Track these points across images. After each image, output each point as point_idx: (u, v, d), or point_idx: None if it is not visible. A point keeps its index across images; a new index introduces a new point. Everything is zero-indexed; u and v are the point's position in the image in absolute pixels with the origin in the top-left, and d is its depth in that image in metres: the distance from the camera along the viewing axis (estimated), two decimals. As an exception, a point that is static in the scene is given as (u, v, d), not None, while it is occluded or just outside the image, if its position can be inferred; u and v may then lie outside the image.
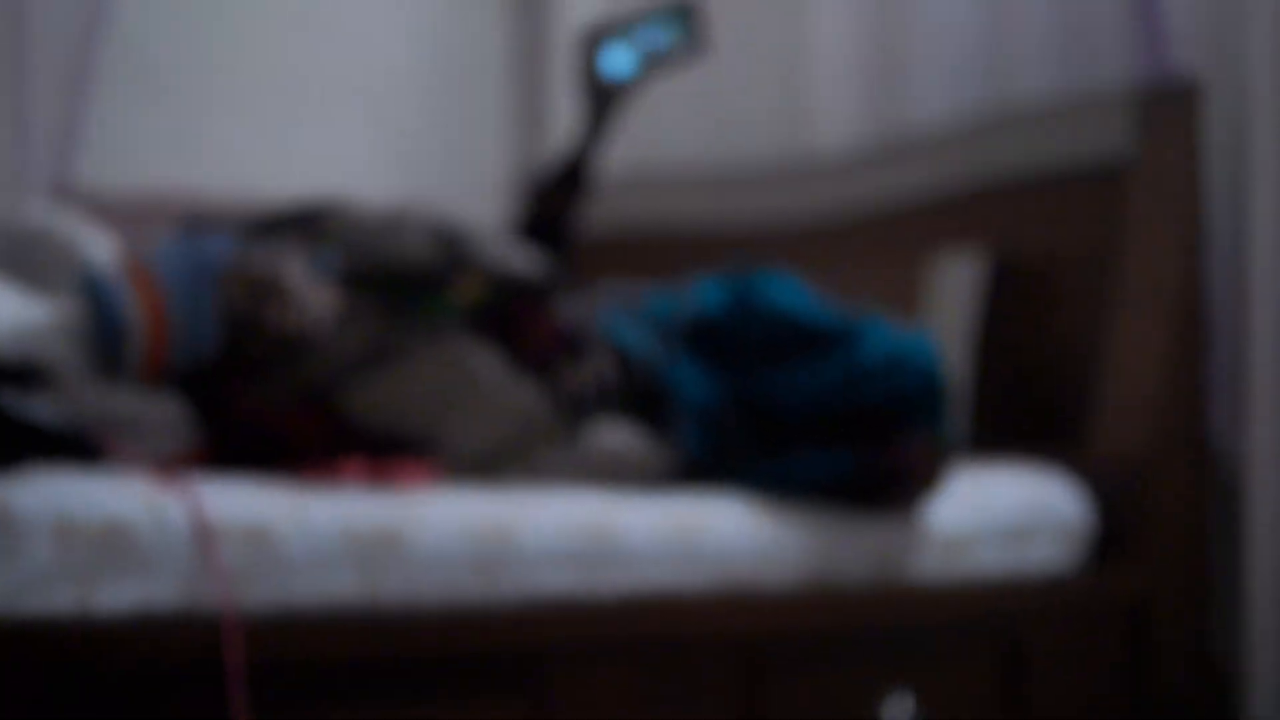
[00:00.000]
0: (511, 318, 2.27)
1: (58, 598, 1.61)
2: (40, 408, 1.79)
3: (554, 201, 2.54)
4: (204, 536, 1.71)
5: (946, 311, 3.20)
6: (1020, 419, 3.16)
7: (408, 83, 4.36)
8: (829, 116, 3.77)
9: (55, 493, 1.64)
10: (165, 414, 2.05)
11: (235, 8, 4.02)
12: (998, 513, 2.56)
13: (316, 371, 2.14)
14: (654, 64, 2.40)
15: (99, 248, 2.38)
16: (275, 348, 2.14)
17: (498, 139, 4.55)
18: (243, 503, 1.79)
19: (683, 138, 4.13)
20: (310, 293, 2.18)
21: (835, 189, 3.65)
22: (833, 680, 2.32)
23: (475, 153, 4.49)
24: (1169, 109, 2.99)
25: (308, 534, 1.81)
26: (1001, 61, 3.47)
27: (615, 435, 2.25)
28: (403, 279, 2.32)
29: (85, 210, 3.58)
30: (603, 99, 2.47)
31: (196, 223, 2.25)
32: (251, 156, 4.01)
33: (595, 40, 2.45)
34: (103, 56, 3.72)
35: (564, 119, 4.40)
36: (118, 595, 1.65)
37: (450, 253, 2.32)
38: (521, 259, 2.37)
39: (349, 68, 4.23)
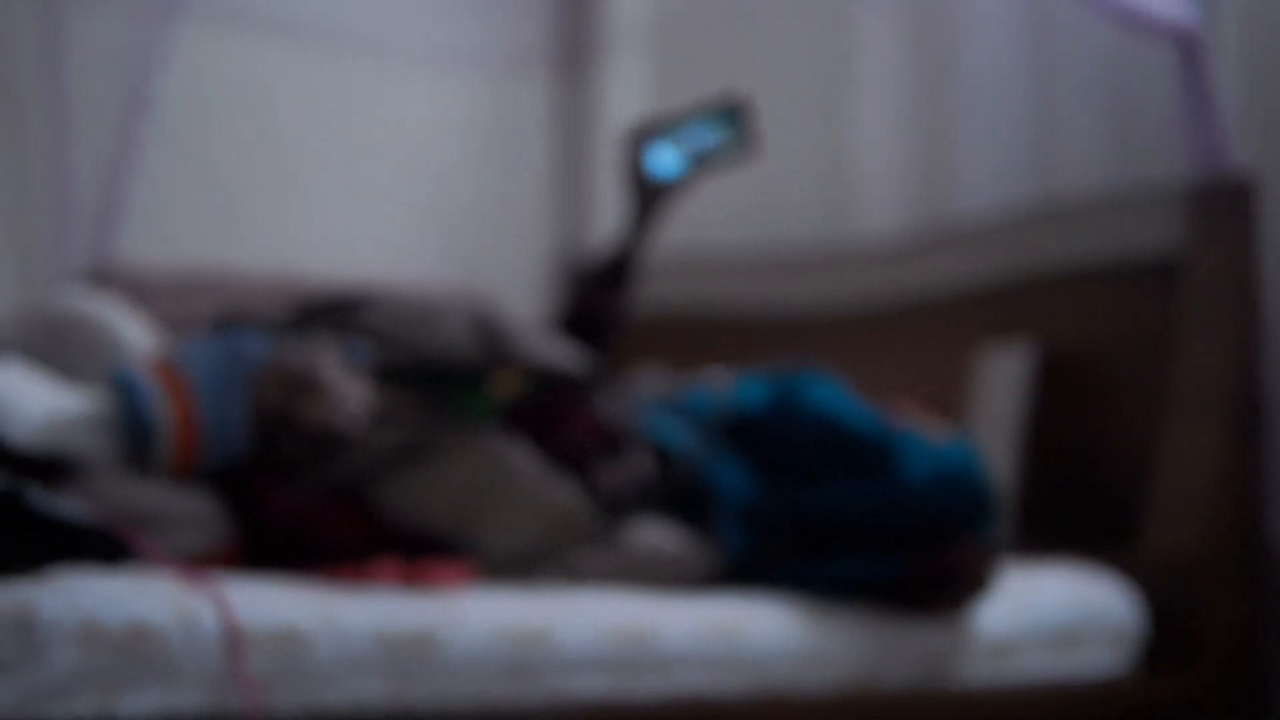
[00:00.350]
0: (550, 413, 2.23)
1: (80, 705, 1.57)
2: (67, 505, 1.77)
3: (598, 297, 2.50)
4: (232, 641, 1.67)
5: (993, 404, 3.15)
6: (1068, 517, 3.09)
7: (452, 170, 4.35)
8: (874, 205, 3.75)
9: (81, 596, 1.60)
10: (195, 510, 2.02)
11: (280, 92, 4.03)
12: (1046, 615, 2.49)
13: (350, 467, 2.11)
14: (701, 163, 2.37)
15: (135, 333, 2.37)
16: (309, 443, 2.11)
17: (540, 228, 4.54)
18: (272, 605, 1.75)
19: (728, 222, 4.11)
20: (345, 388, 2.15)
21: (880, 276, 3.62)
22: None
23: (517, 241, 4.48)
24: (1223, 205, 2.94)
25: (338, 637, 1.76)
26: (1051, 154, 3.44)
27: (654, 534, 2.20)
28: (440, 372, 2.29)
29: (125, 288, 3.58)
30: (648, 197, 2.44)
31: (230, 319, 2.23)
32: (294, 238, 4.01)
33: (642, 138, 2.42)
34: (147, 136, 3.73)
35: (606, 211, 4.39)
36: (142, 702, 1.61)
37: (489, 346, 2.29)
38: (561, 353, 2.33)
39: (394, 154, 4.23)
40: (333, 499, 2.08)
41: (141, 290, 3.60)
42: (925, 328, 3.47)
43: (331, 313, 2.34)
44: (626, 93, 4.47)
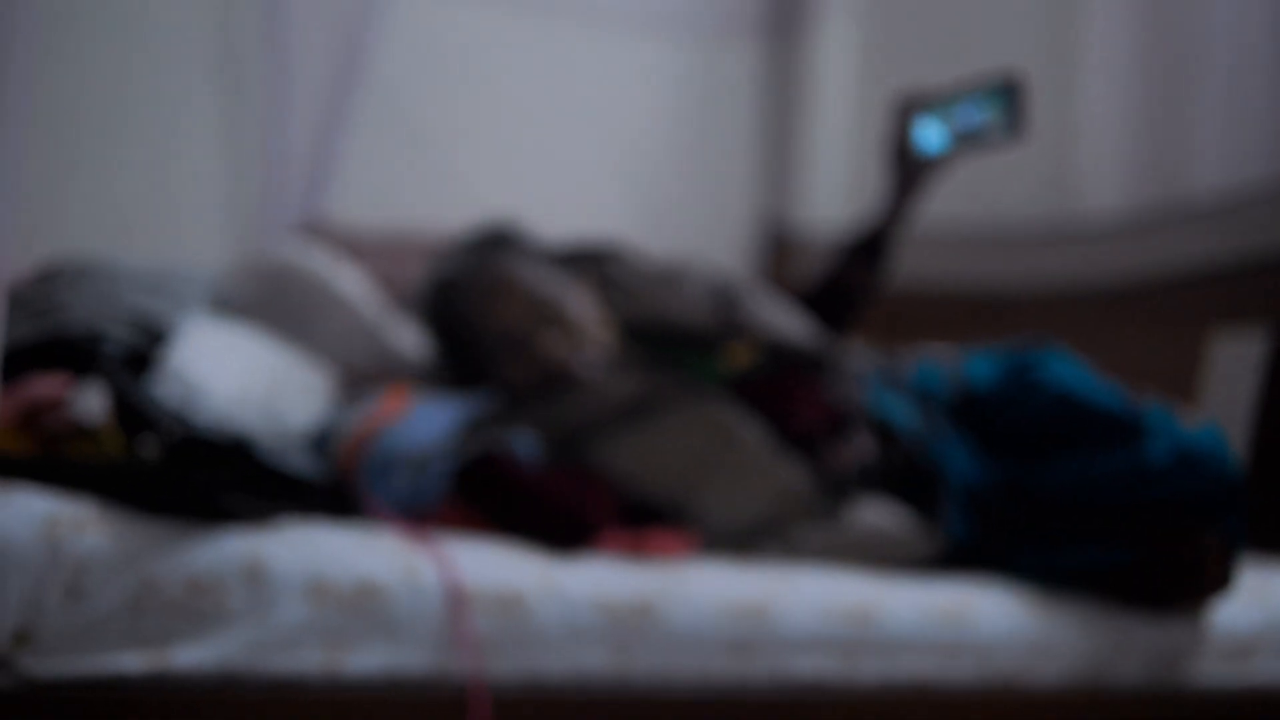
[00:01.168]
0: (780, 388, 2.17)
1: (306, 659, 1.55)
2: (296, 459, 1.76)
3: (850, 271, 2.43)
4: (456, 603, 1.64)
5: (1225, 391, 3.02)
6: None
7: (658, 137, 4.32)
8: (1101, 180, 3.61)
9: (309, 550, 1.59)
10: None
11: (490, 55, 4.03)
12: (1283, 616, 2.37)
13: (577, 414, 2.08)
14: (969, 142, 2.27)
15: (352, 285, 2.37)
16: (539, 375, 2.09)
17: (744, 197, 4.48)
18: (495, 568, 1.72)
19: (949, 197, 4.00)
20: (590, 331, 2.13)
21: (1107, 255, 3.49)
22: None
23: (722, 209, 4.43)
24: None
25: (560, 603, 1.73)
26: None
27: (878, 514, 2.13)
28: (675, 334, 2.25)
29: (336, 244, 3.61)
30: (912, 172, 2.35)
31: (494, 236, 2.23)
32: (499, 201, 4.00)
33: (910, 111, 2.33)
34: (360, 95, 3.76)
35: (813, 180, 4.32)
36: (366, 659, 1.59)
37: (727, 314, 2.23)
38: (799, 329, 2.27)
39: (601, 119, 4.21)
40: (558, 461, 2.04)
41: (351, 247, 3.64)
42: (1154, 309, 3.33)
43: (580, 259, 2.32)
44: (837, 60, 4.38)
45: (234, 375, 2.01)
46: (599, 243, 2.36)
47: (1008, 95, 2.21)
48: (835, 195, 4.34)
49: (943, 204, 3.96)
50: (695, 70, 4.39)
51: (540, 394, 2.11)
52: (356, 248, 3.67)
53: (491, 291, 2.15)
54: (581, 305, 2.18)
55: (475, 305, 2.16)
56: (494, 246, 2.21)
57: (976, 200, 3.94)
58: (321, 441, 1.89)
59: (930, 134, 2.30)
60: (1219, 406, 2.96)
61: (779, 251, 4.32)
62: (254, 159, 3.66)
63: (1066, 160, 3.70)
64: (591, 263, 2.31)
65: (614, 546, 1.86)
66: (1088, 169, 3.63)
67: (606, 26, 4.23)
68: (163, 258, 2.48)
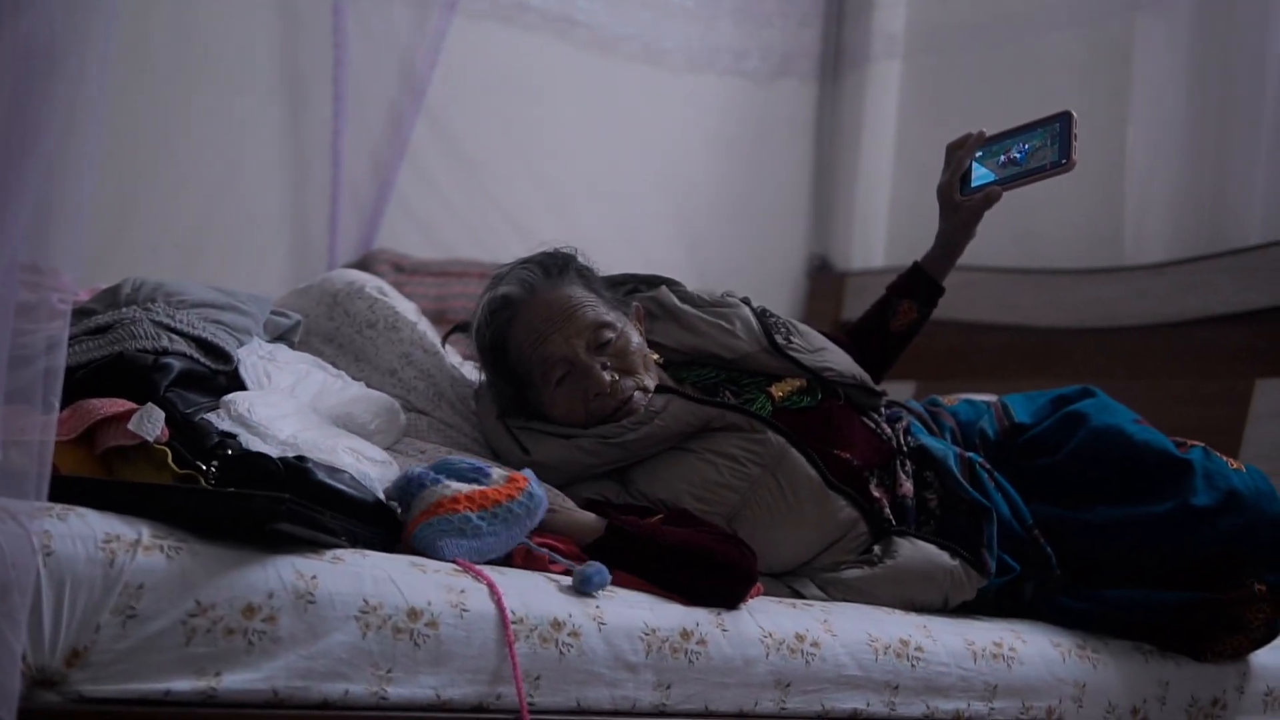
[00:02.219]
0: (829, 421, 2.18)
1: (354, 685, 1.57)
2: (347, 479, 1.78)
3: (900, 309, 2.44)
4: (504, 631, 1.66)
5: (1265, 434, 3.01)
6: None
7: (710, 174, 4.35)
8: (1148, 221, 3.61)
9: (360, 577, 1.61)
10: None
11: (546, 88, 4.06)
12: (1328, 663, 2.36)
13: (629, 437, 2.10)
14: (1019, 178, 2.29)
15: (405, 306, 2.40)
16: (600, 409, 2.11)
17: (795, 233, 4.50)
18: (542, 598, 1.74)
19: (997, 235, 4.01)
20: (647, 358, 2.15)
21: (1152, 294, 3.48)
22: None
23: (772, 245, 4.45)
24: None
25: (606, 633, 1.74)
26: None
27: (923, 551, 2.14)
28: (726, 365, 2.26)
29: (390, 272, 3.65)
30: (961, 212, 2.36)
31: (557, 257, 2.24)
32: (550, 231, 4.03)
33: (964, 147, 2.34)
34: (415, 131, 3.81)
35: (863, 217, 4.33)
36: (414, 687, 1.61)
37: (776, 347, 2.25)
38: (847, 363, 2.29)
39: (654, 155, 4.24)
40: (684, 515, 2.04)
41: (403, 275, 3.68)
42: (1196, 350, 3.33)
43: (630, 284, 2.34)
44: (884, 100, 4.40)
45: (293, 404, 2.04)
46: (649, 275, 2.38)
47: (1058, 127, 2.23)
48: (880, 232, 4.35)
49: (994, 242, 3.98)
50: (747, 108, 4.42)
51: (597, 423, 2.13)
52: (408, 275, 3.71)
53: (551, 317, 2.14)
54: (640, 336, 2.20)
55: (532, 329, 2.15)
56: (555, 268, 2.19)
57: (1026, 240, 3.94)
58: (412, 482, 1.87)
59: (981, 172, 2.32)
60: (1262, 451, 2.95)
61: (826, 286, 4.33)
62: (316, 188, 3.71)
63: (1115, 202, 3.70)
64: (642, 293, 2.33)
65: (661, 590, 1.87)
66: (1135, 212, 3.63)
67: (661, 62, 4.26)
68: (224, 283, 2.52)
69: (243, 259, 3.61)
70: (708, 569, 1.86)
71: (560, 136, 4.09)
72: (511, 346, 2.16)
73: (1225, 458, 2.25)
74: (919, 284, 2.43)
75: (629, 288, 2.35)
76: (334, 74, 3.68)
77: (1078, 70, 3.89)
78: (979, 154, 2.34)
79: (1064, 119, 2.23)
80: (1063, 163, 2.22)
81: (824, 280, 4.39)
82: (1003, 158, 2.30)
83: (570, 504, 2.01)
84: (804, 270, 4.48)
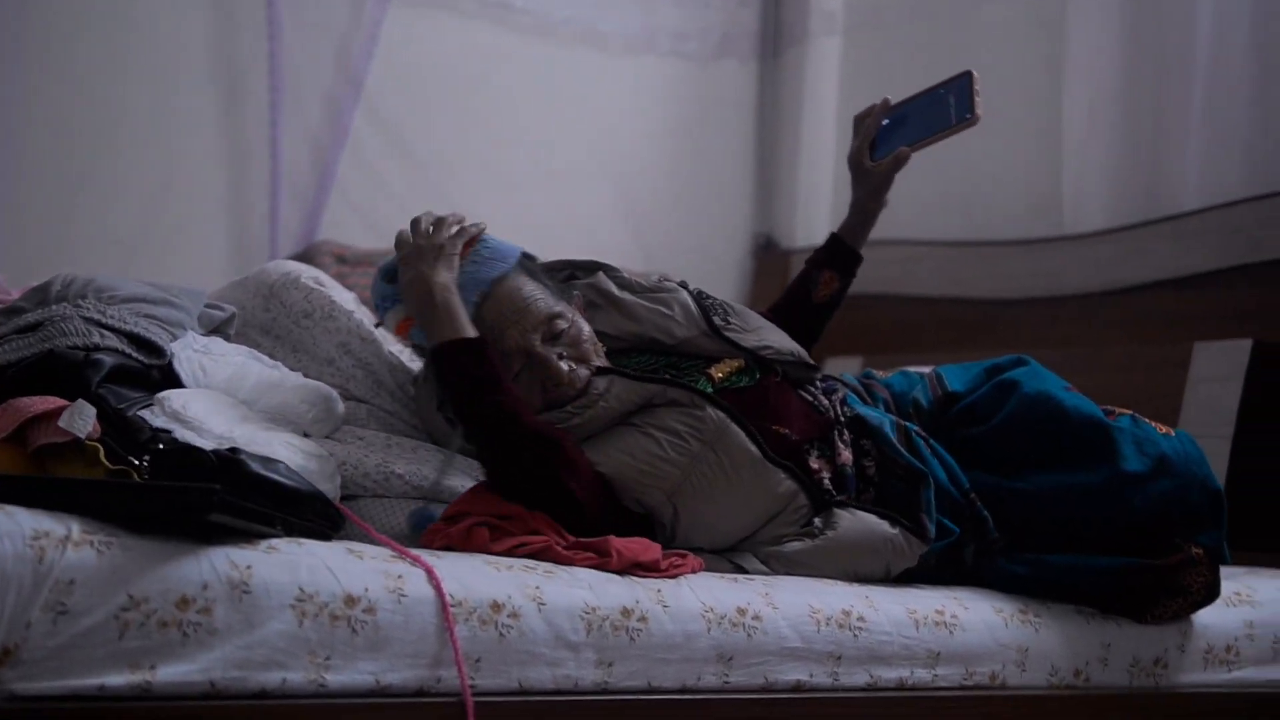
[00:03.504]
0: (766, 398, 2.20)
1: (293, 673, 1.57)
2: (282, 470, 1.78)
3: (820, 281, 2.47)
4: (444, 615, 1.67)
5: (1206, 398, 3.04)
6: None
7: (652, 155, 4.35)
8: (1085, 191, 3.63)
9: (298, 564, 1.61)
10: (412, 478, 2.03)
11: (485, 75, 4.06)
12: (1266, 621, 2.38)
13: (575, 420, 2.10)
14: (925, 139, 2.34)
15: (345, 297, 2.39)
16: (557, 396, 2.11)
17: (738, 212, 4.52)
18: (480, 581, 1.74)
19: (936, 209, 4.04)
20: (593, 344, 2.16)
21: (1090, 262, 3.51)
22: (1085, 792, 2.18)
23: (715, 225, 4.46)
24: None
25: (546, 613, 1.75)
26: (1270, 141, 3.29)
27: (863, 522, 2.15)
28: (665, 348, 2.27)
29: (331, 264, 3.64)
30: (872, 179, 2.40)
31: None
32: (494, 219, 4.03)
33: (870, 116, 2.40)
34: (355, 117, 3.79)
35: (805, 194, 4.34)
36: (353, 674, 1.61)
37: (713, 328, 2.26)
38: (782, 341, 2.30)
39: (595, 138, 4.24)
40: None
41: (346, 265, 3.67)
42: (1136, 316, 3.36)
43: (567, 270, 2.34)
44: (825, 78, 4.41)
45: (229, 400, 2.03)
46: (584, 261, 2.38)
47: (960, 86, 2.28)
48: (824, 210, 4.37)
49: (937, 216, 4.01)
50: (688, 89, 4.42)
51: (545, 409, 2.13)
52: (350, 267, 3.70)
53: (506, 310, 2.13)
54: (587, 326, 2.20)
55: (497, 319, 2.13)
56: (497, 262, 2.18)
57: (967, 212, 3.97)
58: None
59: (887, 138, 2.37)
60: (1200, 415, 2.98)
61: (771, 264, 4.35)
62: (255, 181, 3.70)
63: (1052, 172, 3.72)
64: (579, 279, 2.33)
65: (598, 561, 1.89)
66: (1073, 181, 3.66)
67: (601, 45, 4.26)
68: (165, 278, 2.51)
69: (184, 254, 3.59)
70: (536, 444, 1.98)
71: (501, 122, 4.09)
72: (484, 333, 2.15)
73: (1154, 424, 2.28)
74: (838, 254, 2.47)
75: (566, 274, 2.35)
76: (270, 65, 3.66)
77: (1014, 41, 3.92)
78: (885, 121, 2.39)
79: (965, 78, 2.30)
80: (966, 117, 2.28)
81: (769, 259, 4.40)
82: (909, 121, 2.35)
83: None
84: (749, 249, 4.49)
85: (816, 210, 4.37)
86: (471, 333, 2.05)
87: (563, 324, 2.14)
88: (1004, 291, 3.70)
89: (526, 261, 2.19)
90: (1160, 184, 3.49)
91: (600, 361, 2.18)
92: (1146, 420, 2.28)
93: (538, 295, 2.15)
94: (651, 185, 4.35)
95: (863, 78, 4.33)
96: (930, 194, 4.01)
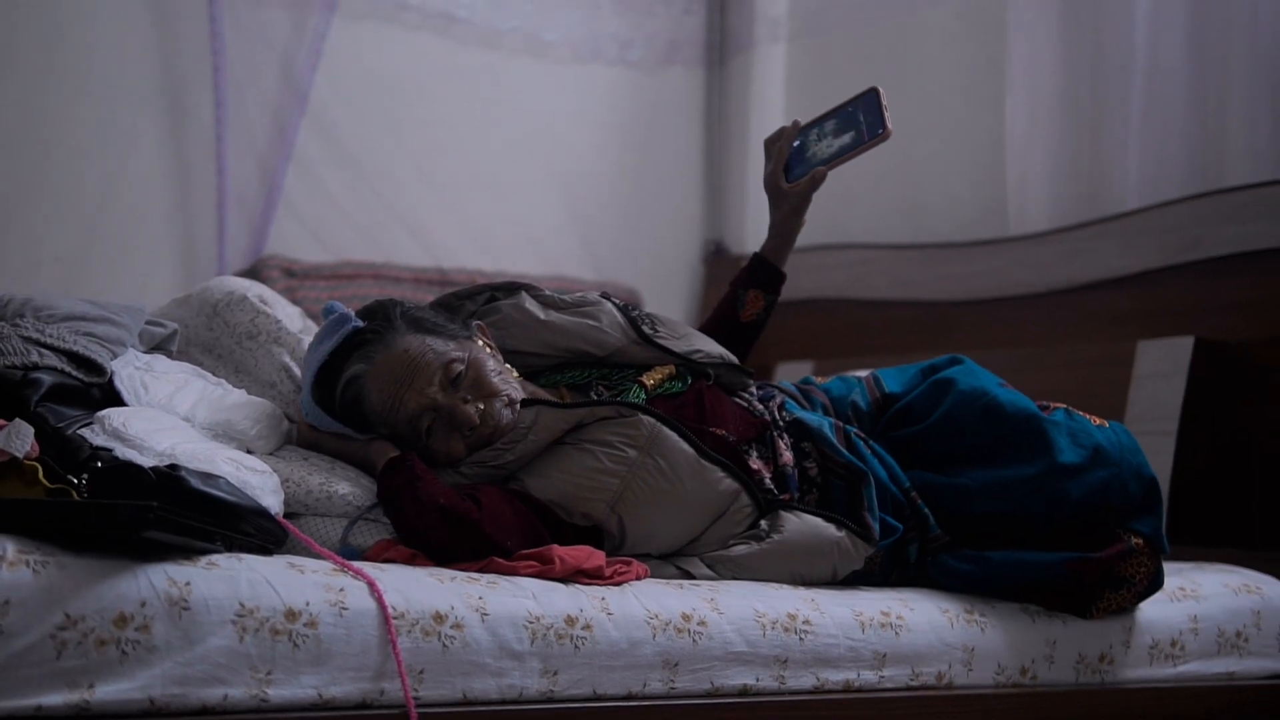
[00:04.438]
0: (701, 402, 2.21)
1: (235, 688, 1.57)
2: (223, 485, 1.78)
3: (744, 299, 2.49)
4: (386, 627, 1.67)
5: (1150, 396, 3.07)
6: (1228, 515, 3.00)
7: (599, 164, 4.36)
8: (1029, 192, 3.66)
9: (238, 579, 1.61)
10: (355, 499, 2.03)
11: (430, 86, 4.05)
12: (1210, 615, 2.41)
13: (515, 458, 2.10)
14: (838, 156, 2.36)
15: (288, 313, 2.38)
16: (474, 436, 2.11)
17: (686, 221, 4.52)
18: (423, 592, 1.74)
19: (881, 214, 4.06)
20: (504, 379, 2.14)
21: (1033, 262, 3.54)
22: (1033, 789, 2.20)
23: (663, 234, 4.47)
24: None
25: (489, 624, 1.75)
26: (1210, 141, 3.32)
27: (806, 523, 2.16)
28: (596, 360, 2.28)
29: (279, 278, 3.63)
30: (788, 199, 2.42)
31: (378, 308, 2.20)
32: (441, 230, 4.03)
33: (778, 143, 2.42)
34: (301, 130, 3.78)
35: (753, 203, 4.36)
36: (295, 688, 1.61)
37: (641, 336, 2.28)
38: (711, 346, 2.32)
39: (542, 148, 4.24)
40: (486, 485, 2.07)
41: (295, 279, 3.66)
42: (1081, 315, 3.39)
43: (486, 294, 2.34)
44: (773, 84, 4.43)
45: (170, 418, 2.02)
46: (504, 283, 2.37)
47: (869, 102, 2.30)
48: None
49: (885, 220, 4.03)
50: (635, 96, 4.43)
51: (469, 453, 2.12)
52: (299, 280, 3.69)
53: (398, 376, 2.09)
54: (491, 355, 2.18)
55: (385, 394, 2.09)
56: (381, 326, 2.13)
57: (914, 215, 3.99)
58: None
59: (802, 158, 2.39)
60: (1144, 412, 3.01)
61: (722, 270, 4.36)
62: (201, 195, 3.68)
63: (997, 174, 3.75)
64: (500, 300, 2.33)
65: (542, 570, 1.89)
66: (1017, 183, 3.69)
67: (546, 54, 4.26)
68: (110, 295, 2.48)
69: (129, 270, 3.57)
70: (451, 526, 1.95)
71: (448, 133, 4.09)
72: (373, 418, 2.11)
73: (1088, 416, 2.31)
74: (762, 273, 2.48)
75: (485, 297, 2.34)
76: (214, 79, 3.65)
77: (955, 44, 3.95)
78: (797, 142, 2.41)
79: (872, 94, 2.33)
80: (879, 132, 2.30)
81: (720, 264, 4.41)
82: (821, 141, 2.37)
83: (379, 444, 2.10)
84: (700, 255, 4.51)
85: (766, 216, 4.37)
86: (374, 457, 2.09)
87: (459, 366, 2.10)
88: (952, 293, 3.72)
89: (405, 313, 2.15)
90: (1102, 184, 3.52)
91: (516, 390, 2.15)
92: (1080, 413, 2.31)
93: (426, 348, 2.10)
94: (600, 193, 4.36)
95: (809, 82, 4.35)
96: (877, 198, 4.04)
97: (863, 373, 2.49)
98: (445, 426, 2.09)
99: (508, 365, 2.22)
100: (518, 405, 2.12)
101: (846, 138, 2.35)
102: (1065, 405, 2.35)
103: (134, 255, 3.62)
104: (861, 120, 2.33)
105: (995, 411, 2.27)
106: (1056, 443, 2.23)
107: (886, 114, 2.30)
